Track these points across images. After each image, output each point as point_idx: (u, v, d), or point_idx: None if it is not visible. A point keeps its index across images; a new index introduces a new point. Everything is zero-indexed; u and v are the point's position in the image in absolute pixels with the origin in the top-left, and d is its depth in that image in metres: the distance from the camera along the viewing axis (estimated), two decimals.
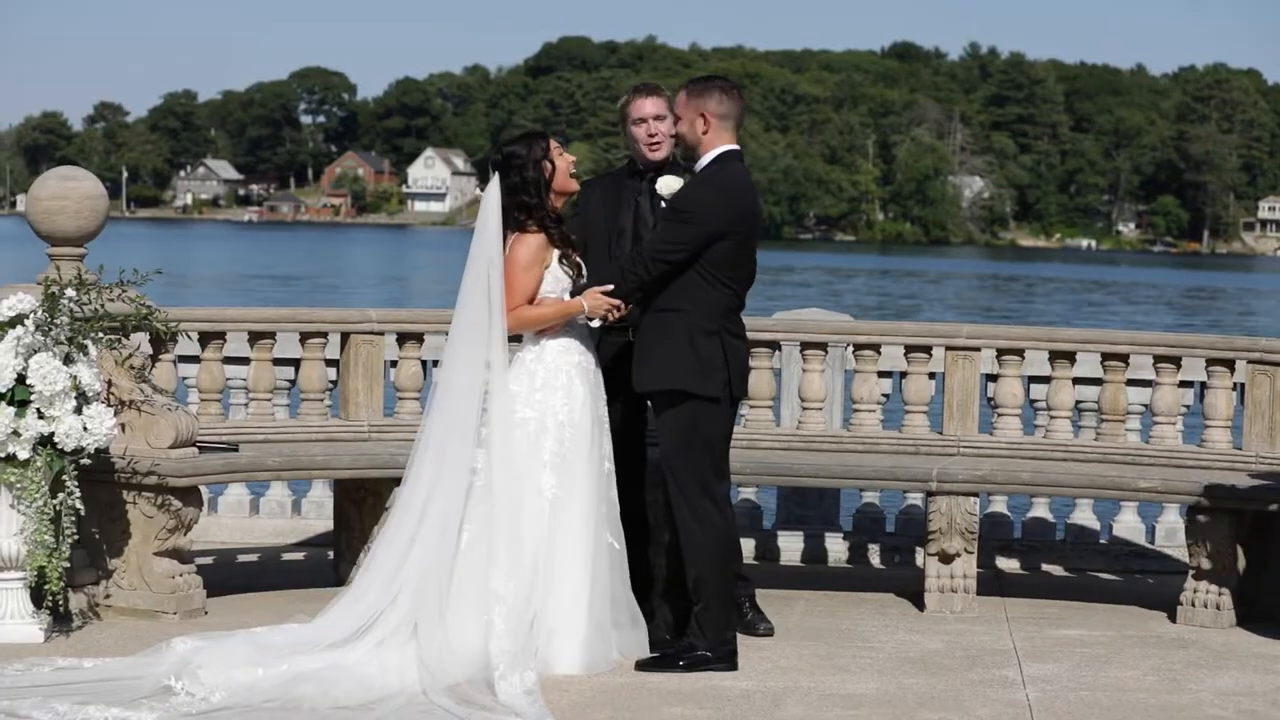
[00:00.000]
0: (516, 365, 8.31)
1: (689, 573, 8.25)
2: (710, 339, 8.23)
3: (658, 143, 8.89)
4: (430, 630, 7.82)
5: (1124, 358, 10.54)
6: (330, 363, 10.68)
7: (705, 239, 8.19)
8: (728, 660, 8.25)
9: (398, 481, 9.56)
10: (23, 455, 8.36)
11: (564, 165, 8.38)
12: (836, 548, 11.46)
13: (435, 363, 11.22)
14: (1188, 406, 11.12)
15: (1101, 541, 11.53)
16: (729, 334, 8.31)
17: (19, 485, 8.39)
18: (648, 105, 8.90)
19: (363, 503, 9.87)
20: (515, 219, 8.32)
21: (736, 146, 8.41)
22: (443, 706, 7.38)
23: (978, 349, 10.53)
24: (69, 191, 9.27)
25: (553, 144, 8.42)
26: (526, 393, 8.24)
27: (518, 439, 8.16)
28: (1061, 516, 11.59)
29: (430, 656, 7.73)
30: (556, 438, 8.20)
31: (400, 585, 7.95)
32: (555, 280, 8.33)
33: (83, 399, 8.51)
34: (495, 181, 8.37)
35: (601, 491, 8.25)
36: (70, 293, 8.69)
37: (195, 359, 10.47)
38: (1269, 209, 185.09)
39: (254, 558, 11.15)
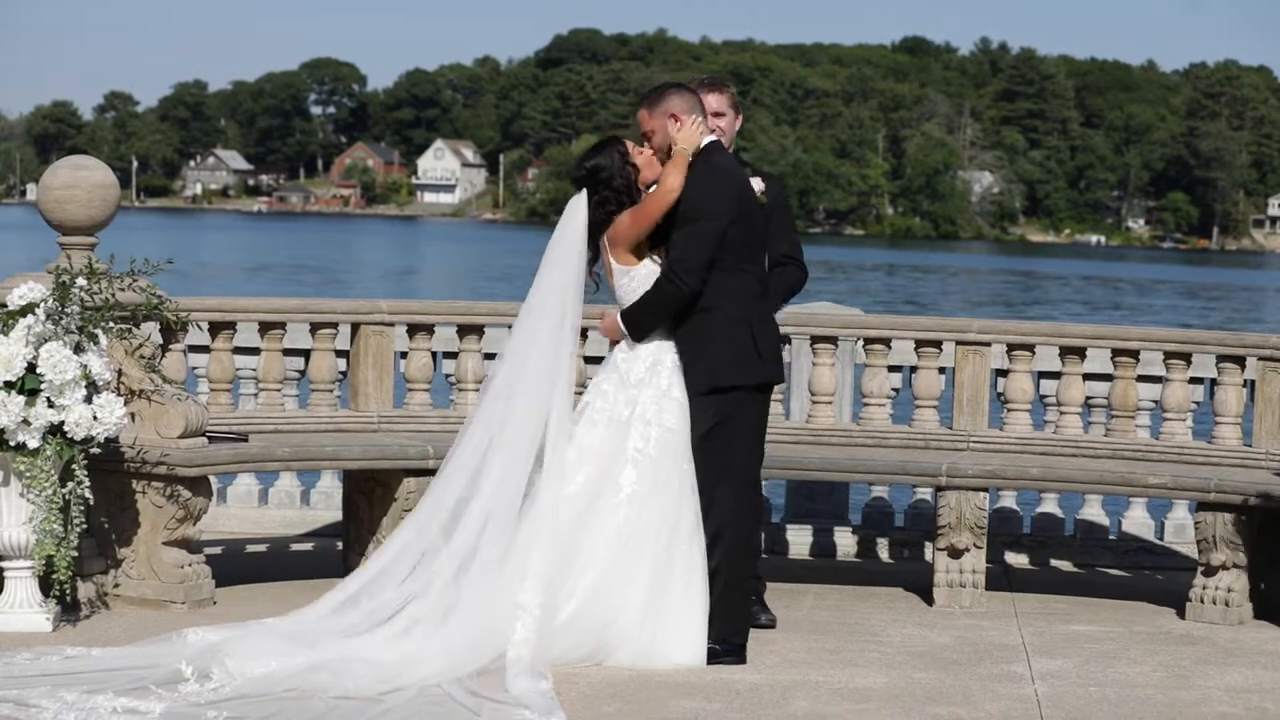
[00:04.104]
0: (606, 365, 8.37)
1: (708, 562, 8.26)
2: (740, 328, 8.29)
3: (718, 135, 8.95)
4: (462, 619, 7.81)
5: (1134, 354, 10.53)
6: (340, 353, 10.68)
7: (722, 232, 8.24)
8: (736, 654, 8.25)
9: (407, 472, 9.60)
10: (32, 444, 8.36)
11: (645, 160, 8.37)
12: (845, 542, 11.46)
13: (446, 354, 11.24)
14: (1198, 403, 11.11)
15: (1111, 537, 11.53)
16: (760, 320, 8.38)
17: (28, 474, 8.39)
18: (710, 100, 8.95)
19: (371, 494, 9.87)
20: (600, 231, 8.30)
21: (714, 137, 8.50)
22: (453, 697, 7.35)
23: (988, 344, 10.52)
24: (80, 181, 9.27)
25: (629, 145, 8.42)
26: (614, 390, 8.28)
27: (600, 437, 8.20)
28: (1071, 512, 11.58)
29: (457, 644, 7.71)
30: (642, 434, 8.21)
31: (430, 577, 7.96)
32: (650, 276, 8.31)
33: (93, 388, 8.51)
34: (581, 199, 8.32)
35: (689, 491, 8.25)
36: (81, 282, 8.69)
37: (205, 349, 10.48)
38: (1279, 206, 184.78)
39: (263, 548, 11.15)
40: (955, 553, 9.75)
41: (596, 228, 8.30)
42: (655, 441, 8.22)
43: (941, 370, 10.74)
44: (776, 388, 10.42)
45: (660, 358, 8.32)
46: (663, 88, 8.56)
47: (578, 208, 8.32)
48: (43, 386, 8.37)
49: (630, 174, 8.32)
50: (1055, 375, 10.94)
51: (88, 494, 8.48)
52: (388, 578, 8.06)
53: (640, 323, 8.31)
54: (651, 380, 8.28)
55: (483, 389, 8.52)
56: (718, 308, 8.28)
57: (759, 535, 8.83)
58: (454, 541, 8.01)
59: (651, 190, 8.27)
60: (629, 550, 8.12)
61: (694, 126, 8.34)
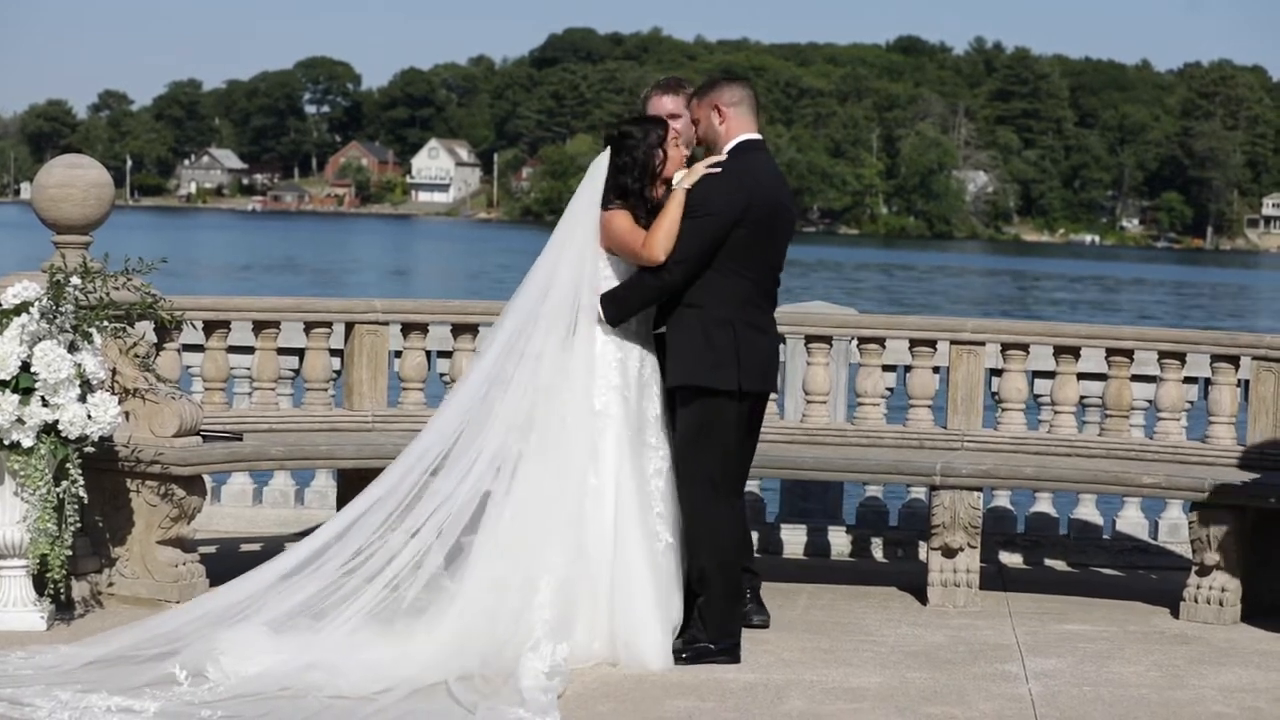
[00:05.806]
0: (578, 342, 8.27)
1: (693, 565, 8.24)
2: (723, 330, 8.18)
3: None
4: (461, 608, 7.78)
5: (1129, 353, 10.53)
6: (334, 353, 10.68)
7: (722, 232, 8.15)
8: (730, 653, 8.23)
9: None
10: (27, 443, 8.36)
11: (676, 156, 8.33)
12: (839, 541, 11.46)
13: (440, 353, 11.24)
14: (1192, 403, 11.12)
15: (1104, 537, 11.53)
16: (746, 325, 8.23)
17: (23, 473, 8.38)
18: (666, 102, 8.87)
19: None
20: (607, 199, 8.26)
21: (758, 135, 8.41)
22: (450, 695, 7.31)
23: (982, 343, 10.52)
24: (75, 179, 9.26)
25: (671, 134, 8.37)
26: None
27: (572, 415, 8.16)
28: (1065, 511, 11.58)
29: (455, 635, 7.67)
30: (596, 427, 8.15)
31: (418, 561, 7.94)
32: (627, 270, 8.27)
33: (87, 387, 8.51)
34: (605, 156, 8.32)
35: (645, 487, 8.19)
36: (75, 280, 8.68)
37: (200, 348, 10.47)
38: (1273, 206, 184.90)
39: (256, 547, 11.13)
40: (949, 552, 9.75)
41: (606, 188, 8.27)
42: (601, 433, 8.13)
43: (936, 370, 10.74)
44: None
45: (610, 350, 8.22)
46: (715, 79, 8.52)
47: (599, 166, 8.31)
48: (37, 385, 8.36)
49: (655, 155, 8.27)
50: (1050, 375, 10.93)
51: (82, 493, 8.47)
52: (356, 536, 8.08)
53: (616, 305, 8.20)
54: (601, 371, 8.19)
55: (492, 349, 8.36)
56: (700, 306, 8.19)
57: (747, 535, 8.77)
58: (446, 527, 7.97)
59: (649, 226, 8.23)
60: (588, 542, 8.04)
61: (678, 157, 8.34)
